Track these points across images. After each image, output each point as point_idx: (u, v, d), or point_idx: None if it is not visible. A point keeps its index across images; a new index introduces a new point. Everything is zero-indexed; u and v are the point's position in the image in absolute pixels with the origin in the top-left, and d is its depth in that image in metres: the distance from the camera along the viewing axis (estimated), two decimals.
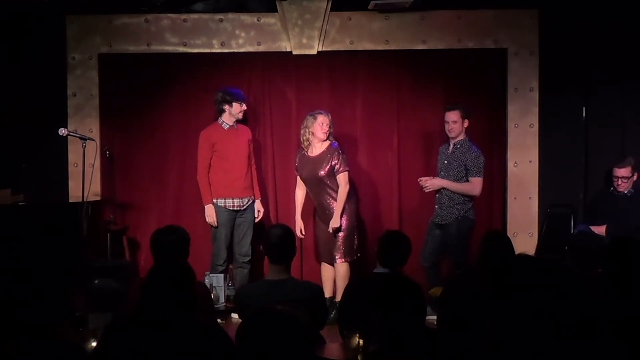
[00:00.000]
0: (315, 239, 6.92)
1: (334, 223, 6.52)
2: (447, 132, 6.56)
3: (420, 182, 6.57)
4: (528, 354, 2.94)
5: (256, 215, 6.93)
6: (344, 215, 6.57)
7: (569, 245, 6.72)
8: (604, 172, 6.80)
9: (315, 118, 6.58)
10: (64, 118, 7.23)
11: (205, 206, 6.78)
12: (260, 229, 6.97)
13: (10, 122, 7.28)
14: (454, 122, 6.50)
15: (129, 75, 7.41)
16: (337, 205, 6.53)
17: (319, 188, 6.61)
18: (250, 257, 6.84)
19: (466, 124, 6.52)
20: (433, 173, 6.78)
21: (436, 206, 6.59)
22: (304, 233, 6.81)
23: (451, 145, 6.57)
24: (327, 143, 6.62)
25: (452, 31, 7.32)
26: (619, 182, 6.62)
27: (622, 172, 6.60)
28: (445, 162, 6.57)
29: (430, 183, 6.52)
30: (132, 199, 7.42)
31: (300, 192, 6.82)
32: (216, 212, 6.75)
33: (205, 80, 7.35)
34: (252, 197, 6.92)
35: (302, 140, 6.66)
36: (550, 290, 3.06)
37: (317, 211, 6.76)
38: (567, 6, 7.21)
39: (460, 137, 6.53)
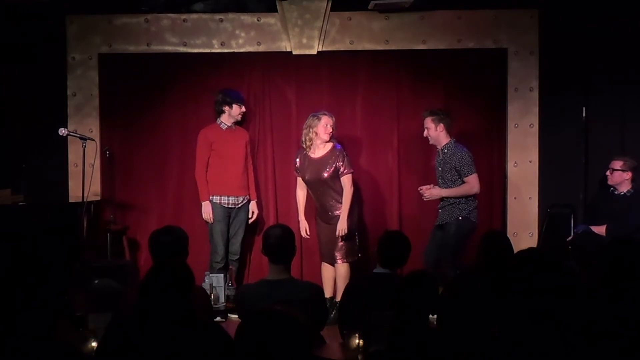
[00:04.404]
0: (317, 239, 6.91)
1: (342, 227, 6.49)
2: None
3: (420, 191, 6.59)
4: (528, 353, 2.94)
5: (250, 216, 7.01)
6: (341, 218, 6.54)
7: (572, 245, 6.71)
8: (604, 172, 6.79)
9: (319, 119, 6.57)
10: (64, 118, 7.24)
11: (202, 203, 6.88)
12: (253, 228, 7.11)
13: (10, 122, 7.28)
14: (427, 129, 6.59)
15: (129, 75, 7.41)
16: (343, 208, 6.50)
17: (322, 189, 6.59)
18: (239, 256, 7.00)
19: (440, 128, 6.54)
20: (433, 173, 6.78)
21: (439, 209, 6.61)
22: (309, 233, 6.80)
23: (439, 153, 6.62)
24: (330, 144, 6.60)
25: (452, 31, 7.32)
26: (609, 172, 6.64)
27: (615, 163, 6.62)
28: (440, 169, 6.62)
29: (429, 193, 6.55)
30: (132, 199, 7.42)
31: (301, 193, 6.80)
32: (212, 208, 6.83)
33: (205, 80, 7.35)
34: (248, 197, 7.00)
35: (304, 140, 6.64)
36: (551, 291, 3.07)
37: (318, 212, 6.75)
38: (567, 6, 7.22)
39: (444, 142, 6.57)
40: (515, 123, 7.39)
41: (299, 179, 6.76)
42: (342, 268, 6.57)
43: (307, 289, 4.37)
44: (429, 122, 6.58)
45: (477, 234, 5.98)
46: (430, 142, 6.67)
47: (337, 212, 6.55)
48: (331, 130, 6.56)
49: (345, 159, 6.55)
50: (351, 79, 7.45)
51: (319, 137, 6.56)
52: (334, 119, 6.60)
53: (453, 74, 7.41)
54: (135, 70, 7.40)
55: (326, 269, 6.71)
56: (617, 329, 3.24)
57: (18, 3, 6.83)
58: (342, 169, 6.52)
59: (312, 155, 6.61)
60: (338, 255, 6.56)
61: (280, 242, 4.31)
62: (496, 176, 7.47)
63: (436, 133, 6.57)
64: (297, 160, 6.72)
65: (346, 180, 6.54)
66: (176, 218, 7.15)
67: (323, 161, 6.57)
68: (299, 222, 6.77)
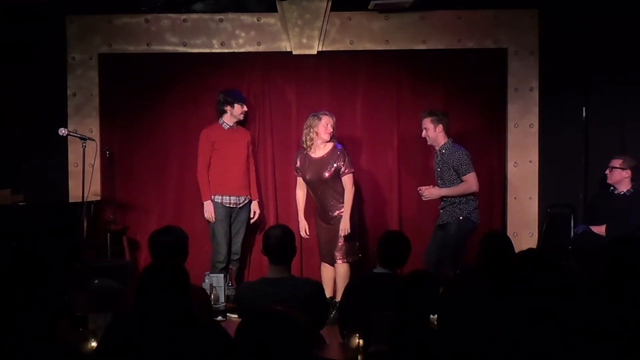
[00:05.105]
0: (316, 239, 6.91)
1: (345, 227, 6.49)
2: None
3: (419, 191, 6.59)
4: (528, 353, 2.94)
5: (251, 216, 7.02)
6: (344, 218, 6.54)
7: (572, 245, 6.71)
8: (604, 172, 6.80)
9: (319, 119, 6.57)
10: (64, 118, 7.24)
11: (204, 202, 6.90)
12: (254, 228, 7.12)
13: (10, 122, 7.28)
14: (425, 130, 6.59)
15: (129, 75, 7.41)
16: (345, 208, 6.51)
17: (323, 189, 6.59)
18: (239, 256, 7.02)
19: (439, 129, 6.55)
20: (433, 174, 6.78)
21: (440, 210, 6.61)
22: (308, 233, 6.81)
23: (438, 153, 6.62)
24: (330, 144, 6.60)
25: (452, 31, 7.32)
26: (608, 171, 6.66)
27: (614, 162, 6.64)
28: (439, 169, 6.62)
29: (429, 193, 6.54)
30: (132, 199, 7.42)
31: (301, 193, 6.81)
32: (214, 208, 6.84)
33: (205, 80, 7.36)
34: (249, 196, 7.01)
35: (304, 140, 6.64)
36: (551, 291, 3.07)
37: (318, 212, 6.75)
38: (567, 6, 7.22)
39: (442, 142, 6.58)
40: (515, 123, 7.39)
41: (299, 179, 6.77)
42: (342, 268, 6.57)
43: (307, 285, 4.39)
44: (427, 123, 6.59)
45: (478, 234, 5.98)
46: (429, 143, 6.68)
47: (337, 212, 6.55)
48: (332, 130, 6.57)
49: (346, 159, 6.55)
50: (351, 79, 7.45)
51: (320, 137, 6.56)
52: (334, 118, 6.61)
53: (453, 74, 7.41)
54: (135, 70, 7.40)
55: (326, 269, 6.71)
56: (617, 329, 3.24)
57: (18, 3, 6.83)
58: (343, 169, 6.52)
59: (313, 155, 6.62)
60: (338, 255, 6.56)
61: (281, 242, 4.32)
62: (496, 176, 7.47)
63: (435, 134, 6.58)
64: (298, 160, 6.72)
65: (347, 180, 6.54)
66: (176, 218, 7.15)
67: (324, 161, 6.57)
68: (298, 222, 6.78)
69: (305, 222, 6.79)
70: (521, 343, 2.96)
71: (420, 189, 6.59)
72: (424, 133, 6.63)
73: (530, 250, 4.17)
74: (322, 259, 6.77)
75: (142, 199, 7.43)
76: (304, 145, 6.65)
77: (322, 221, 6.70)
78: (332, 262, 6.63)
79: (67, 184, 7.27)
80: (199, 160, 6.94)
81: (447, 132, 6.60)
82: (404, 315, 3.52)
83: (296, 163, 6.74)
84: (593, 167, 7.24)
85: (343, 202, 6.56)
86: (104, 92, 7.37)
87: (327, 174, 6.53)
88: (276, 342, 2.46)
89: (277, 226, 4.91)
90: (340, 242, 6.54)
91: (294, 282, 4.34)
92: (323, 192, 6.60)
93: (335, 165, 6.53)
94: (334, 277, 6.62)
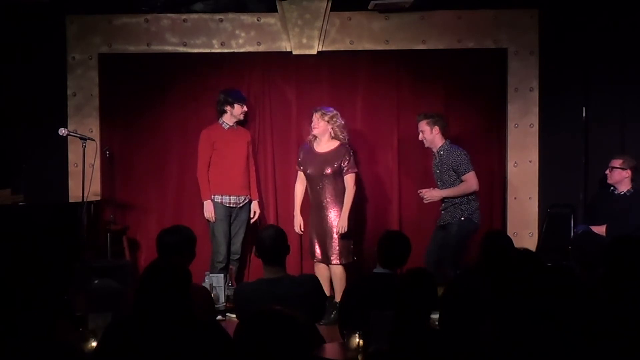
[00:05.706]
0: (309, 237, 6.87)
1: (342, 225, 6.49)
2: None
3: (420, 194, 6.59)
4: (528, 353, 2.94)
5: (252, 216, 7.03)
6: (342, 216, 6.54)
7: (572, 245, 6.71)
8: (604, 172, 6.80)
9: (312, 114, 6.64)
10: (64, 118, 7.24)
11: (204, 202, 6.90)
12: (254, 228, 7.08)
13: (10, 122, 7.28)
14: (422, 132, 6.60)
15: (129, 75, 7.41)
16: (345, 207, 6.52)
17: (322, 185, 6.59)
18: (239, 256, 7.03)
19: (436, 131, 6.55)
20: (432, 174, 6.77)
21: (442, 211, 6.61)
22: (303, 229, 6.81)
23: (436, 155, 6.61)
24: (337, 141, 6.62)
25: (452, 31, 7.32)
26: (608, 171, 6.66)
27: (614, 162, 6.63)
28: (438, 171, 6.61)
29: (429, 195, 6.54)
30: (132, 199, 7.42)
31: (300, 187, 6.81)
32: (214, 208, 6.85)
33: (205, 80, 7.36)
34: (249, 196, 7.02)
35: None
36: (551, 291, 3.07)
37: (312, 209, 6.74)
38: (567, 6, 7.22)
39: (439, 144, 6.58)
40: (515, 123, 7.39)
41: (300, 173, 6.78)
42: (337, 269, 6.56)
43: (304, 282, 4.43)
44: (423, 125, 6.59)
45: (479, 235, 5.97)
46: (426, 145, 6.68)
47: (332, 210, 6.55)
48: (318, 127, 6.59)
49: (351, 158, 6.58)
50: (351, 79, 7.45)
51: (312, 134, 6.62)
52: (318, 113, 6.62)
53: (453, 74, 7.41)
54: (135, 70, 7.40)
55: (320, 269, 6.67)
56: (617, 329, 3.24)
57: (18, 3, 6.84)
58: (346, 167, 6.54)
59: (317, 150, 6.64)
60: (333, 256, 6.54)
61: (274, 242, 4.33)
62: (496, 176, 7.47)
63: (432, 136, 6.58)
64: (301, 153, 6.78)
65: (349, 179, 6.56)
66: (176, 218, 7.15)
67: (328, 157, 6.59)
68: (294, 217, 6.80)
69: (300, 218, 6.80)
70: (521, 343, 2.96)
71: (420, 192, 6.58)
72: (420, 136, 6.63)
73: (520, 250, 4.19)
74: (314, 258, 6.73)
75: (142, 199, 7.43)
76: (309, 138, 6.71)
77: (316, 219, 6.67)
78: (326, 262, 6.62)
79: (67, 184, 7.27)
80: (199, 160, 6.95)
81: (444, 133, 6.60)
82: (404, 315, 3.52)
83: (299, 156, 6.78)
84: (593, 167, 7.24)
85: (340, 201, 6.55)
86: (104, 92, 7.37)
87: (329, 170, 6.55)
88: (276, 342, 2.46)
89: (268, 227, 4.93)
90: (335, 241, 6.53)
91: (290, 280, 4.36)
92: (322, 188, 6.60)
93: (338, 162, 6.54)
94: (329, 276, 6.61)
